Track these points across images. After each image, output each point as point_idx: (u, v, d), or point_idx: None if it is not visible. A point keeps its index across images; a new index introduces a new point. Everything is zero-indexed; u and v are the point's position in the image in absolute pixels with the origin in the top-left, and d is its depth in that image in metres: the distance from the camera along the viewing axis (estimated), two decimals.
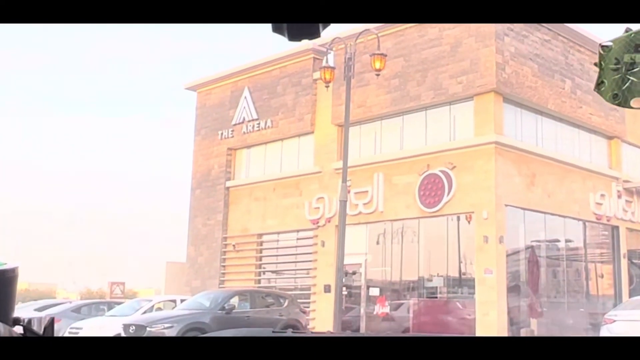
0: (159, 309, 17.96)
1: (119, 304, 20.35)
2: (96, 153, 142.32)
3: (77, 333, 16.42)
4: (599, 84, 2.10)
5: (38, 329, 1.08)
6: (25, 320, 1.07)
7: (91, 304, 20.65)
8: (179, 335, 14.60)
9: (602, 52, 2.14)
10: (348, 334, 1.77)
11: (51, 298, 38.17)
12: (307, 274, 24.14)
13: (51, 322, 1.12)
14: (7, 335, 1.00)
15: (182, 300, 18.13)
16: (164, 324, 14.98)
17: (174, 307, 17.70)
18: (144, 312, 17.20)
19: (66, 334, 16.78)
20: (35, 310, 19.32)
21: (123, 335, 15.16)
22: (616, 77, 2.12)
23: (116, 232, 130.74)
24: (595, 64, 2.16)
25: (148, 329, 14.71)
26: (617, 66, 2.11)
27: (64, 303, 20.94)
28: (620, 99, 2.14)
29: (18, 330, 1.03)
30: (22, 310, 20.25)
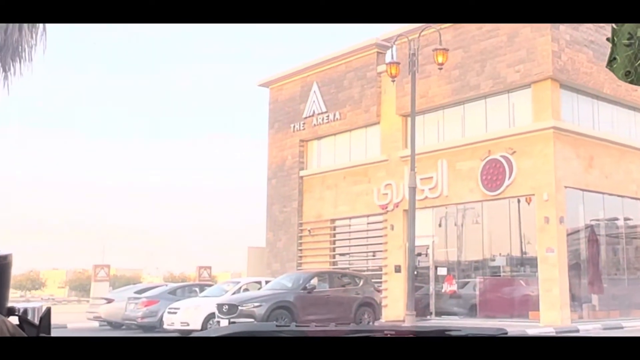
0: (246, 290, 19.39)
1: (208, 286, 22.13)
2: (182, 147, 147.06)
3: (175, 312, 18.11)
4: (611, 61, 1.93)
5: (34, 319, 1.01)
6: (21, 310, 1.01)
7: (184, 286, 22.36)
8: (268, 312, 16.20)
9: (614, 27, 2.00)
10: (349, 332, 1.72)
11: (137, 282, 40.56)
12: (374, 255, 25.47)
13: (47, 312, 1.04)
14: (1, 324, 0.93)
15: (266, 282, 19.59)
16: (253, 303, 16.48)
17: (259, 288, 19.15)
18: (233, 293, 18.75)
19: (165, 314, 18.56)
20: (135, 292, 21.17)
21: (217, 313, 16.84)
22: (629, 53, 1.98)
23: (200, 220, 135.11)
24: (608, 39, 2.05)
25: (240, 307, 16.30)
26: (630, 41, 1.97)
27: (161, 286, 22.82)
28: (633, 77, 2.03)
29: (13, 320, 0.96)
30: (123, 293, 22.27)
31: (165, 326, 18.05)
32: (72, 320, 22.76)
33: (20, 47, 6.73)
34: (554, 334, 16.69)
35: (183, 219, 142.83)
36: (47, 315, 1.03)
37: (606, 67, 1.81)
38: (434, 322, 20.42)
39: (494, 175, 21.82)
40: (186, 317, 17.88)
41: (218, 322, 16.58)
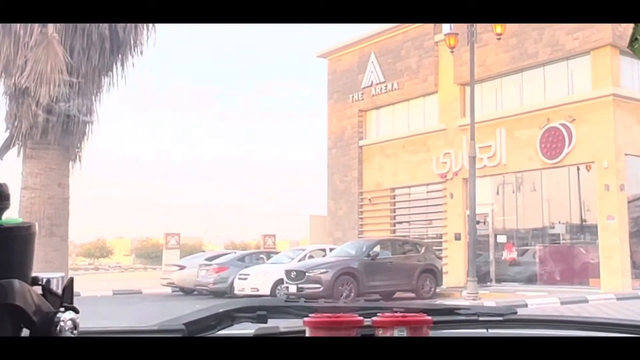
0: (311, 257, 20.06)
1: (273, 253, 22.97)
2: (246, 117, 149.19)
3: (245, 278, 18.95)
4: (632, 42, 1.77)
5: (57, 289, 0.98)
6: (44, 280, 0.97)
7: (252, 254, 23.18)
8: (333, 278, 16.86)
9: None
10: (357, 308, 1.65)
11: (200, 251, 41.85)
12: (431, 223, 25.89)
13: (70, 282, 1.01)
14: (25, 293, 0.89)
15: (330, 249, 20.29)
16: (320, 269, 17.11)
17: (323, 256, 19.78)
18: (299, 260, 19.49)
19: (236, 280, 19.42)
20: (206, 259, 22.10)
21: (285, 279, 17.59)
22: None
23: (262, 189, 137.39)
24: None
25: (307, 274, 17.01)
26: None
27: (230, 253, 23.75)
28: None
29: (37, 290, 0.94)
30: (194, 260, 23.28)
31: (236, 291, 18.91)
32: (145, 286, 23.93)
33: (134, 42, 7.42)
34: (614, 300, 16.94)
35: (244, 188, 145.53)
36: (69, 285, 1.00)
37: (627, 47, 1.67)
38: (494, 289, 20.77)
39: (553, 143, 21.90)
40: (256, 283, 18.70)
41: (287, 287, 17.32)
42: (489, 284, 22.01)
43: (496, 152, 23.49)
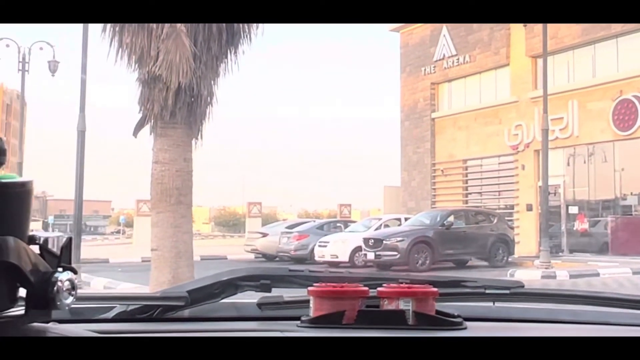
0: (387, 226, 20.89)
1: (350, 222, 23.97)
2: (320, 90, 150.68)
3: (325, 246, 19.78)
4: None
5: (54, 248, 0.91)
6: (41, 239, 0.91)
7: (330, 222, 24.14)
8: (409, 246, 17.66)
9: None
10: (362, 278, 1.61)
11: (274, 220, 43.22)
12: (500, 194, 26.35)
13: (68, 241, 0.94)
14: (20, 251, 0.86)
15: (405, 219, 21.10)
16: (396, 237, 17.80)
17: (399, 225, 20.63)
18: (376, 229, 20.40)
19: (316, 247, 20.38)
20: (287, 227, 23.20)
21: (364, 246, 18.47)
22: None
23: (336, 159, 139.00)
24: None
25: (384, 242, 17.83)
26: None
27: (309, 222, 24.86)
28: None
29: (35, 249, 0.89)
30: (275, 228, 24.45)
31: (316, 258, 19.93)
32: (231, 252, 25.30)
33: (246, 32, 8.48)
34: None
35: (320, 159, 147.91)
36: (68, 245, 0.96)
37: None
38: (565, 259, 21.12)
39: (625, 115, 21.96)
40: (335, 250, 19.67)
41: (365, 254, 18.22)
42: (560, 254, 22.29)
43: (568, 124, 23.67)
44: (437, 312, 1.42)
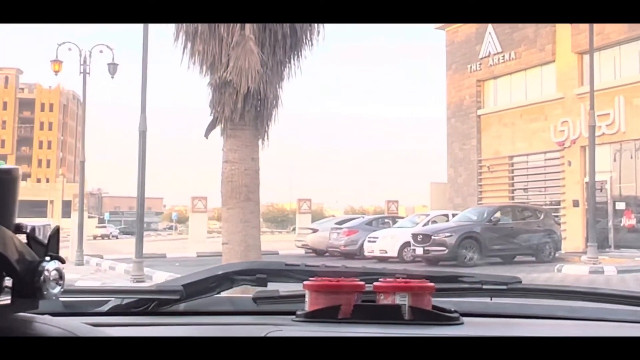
0: (434, 222, 21.12)
1: (398, 218, 24.34)
2: (366, 88, 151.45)
3: (374, 241, 20.13)
4: None
5: (41, 237, 0.89)
6: (28, 228, 0.89)
7: (378, 218, 24.52)
8: (458, 242, 17.96)
9: None
10: (358, 273, 1.52)
11: (321, 216, 43.67)
12: (545, 190, 26.34)
13: (56, 230, 0.91)
14: (6, 239, 0.83)
15: (453, 215, 21.33)
16: (445, 233, 18.03)
17: (446, 221, 20.74)
18: (424, 225, 20.75)
19: (365, 242, 20.73)
20: (337, 223, 23.69)
21: (412, 242, 18.84)
22: None
23: (383, 157, 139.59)
24: None
25: (433, 237, 18.13)
26: None
27: (358, 218, 25.32)
28: None
29: (21, 237, 0.87)
30: (325, 224, 24.98)
31: (365, 253, 20.35)
32: (281, 247, 25.91)
33: (308, 38, 9.07)
34: None
35: (364, 154, 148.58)
36: (55, 234, 0.91)
37: None
38: (612, 254, 21.12)
39: None
40: (384, 245, 20.04)
41: (413, 249, 18.58)
42: (607, 250, 22.24)
43: (615, 120, 23.60)
44: (434, 307, 1.39)
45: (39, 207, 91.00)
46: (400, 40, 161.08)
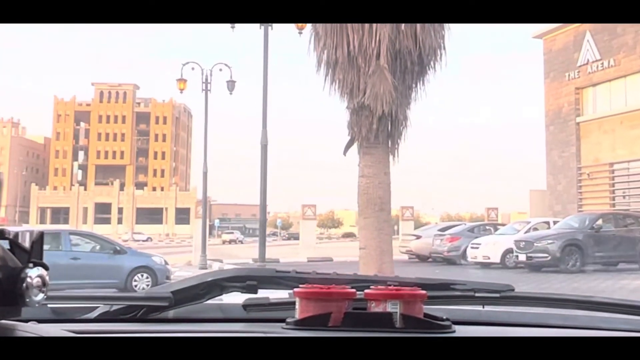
0: (535, 229, 21.02)
1: (499, 225, 24.45)
2: (465, 97, 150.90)
3: (477, 247, 20.31)
4: None
5: (24, 243, 0.86)
6: (12, 234, 0.85)
7: (480, 225, 24.62)
8: (560, 249, 17.97)
9: None
10: (349, 280, 1.47)
11: (419, 222, 43.81)
12: None
13: (40, 236, 0.87)
14: None
15: (554, 222, 21.17)
16: (547, 240, 18.04)
17: (547, 228, 20.68)
18: (525, 232, 20.73)
19: (469, 249, 20.94)
20: (439, 230, 24.10)
21: (515, 249, 18.96)
22: None
23: (480, 164, 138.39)
24: None
25: (535, 244, 18.12)
26: None
27: (460, 225, 25.61)
28: None
29: (4, 244, 0.83)
30: (427, 231, 25.42)
31: (468, 259, 20.66)
32: None
33: (433, 64, 9.99)
34: None
35: (463, 163, 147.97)
36: (39, 240, 0.87)
37: None
38: None
39: None
40: (487, 252, 20.27)
41: (516, 256, 18.73)
42: None
43: None
44: (426, 315, 1.36)
45: (155, 215, 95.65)
46: (499, 51, 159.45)
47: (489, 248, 20.30)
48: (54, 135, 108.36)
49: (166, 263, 15.15)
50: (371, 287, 1.38)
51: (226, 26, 17.86)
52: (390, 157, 9.75)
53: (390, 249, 9.94)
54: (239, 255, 28.35)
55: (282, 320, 1.37)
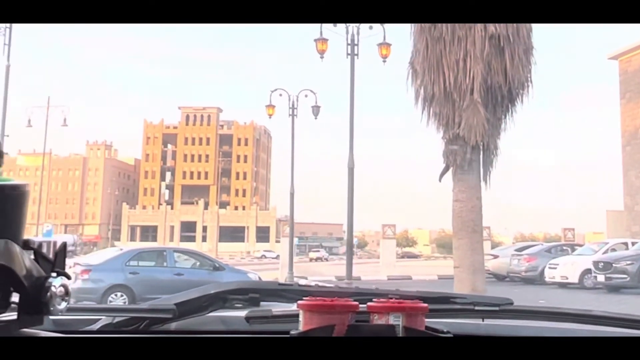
0: (613, 250, 20.64)
1: (577, 246, 24.29)
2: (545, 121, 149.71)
3: (555, 268, 20.35)
4: None
5: (48, 254, 0.87)
6: (36, 244, 0.86)
7: (557, 246, 24.39)
8: (639, 270, 17.83)
9: None
10: (351, 293, 1.49)
11: (493, 242, 43.38)
12: None
13: (63, 247, 0.88)
14: (14, 254, 0.81)
15: (632, 243, 20.81)
16: (626, 260, 17.95)
17: (625, 249, 20.37)
18: (604, 253, 20.59)
19: (546, 269, 20.84)
20: (516, 250, 24.20)
21: (593, 269, 18.89)
22: None
23: (559, 186, 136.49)
24: None
25: (614, 265, 17.98)
26: None
27: (537, 245, 25.63)
28: None
29: (29, 254, 0.84)
30: (505, 250, 25.37)
31: (546, 279, 20.72)
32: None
33: (519, 96, 10.62)
34: None
35: (538, 185, 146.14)
36: (62, 251, 0.88)
37: None
38: None
39: None
40: (565, 272, 20.25)
41: (595, 276, 18.68)
42: None
43: None
44: (427, 327, 1.35)
45: (237, 233, 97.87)
46: (575, 68, 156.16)
47: (567, 268, 20.32)
48: (144, 156, 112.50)
49: (260, 279, 16.05)
50: (374, 300, 1.36)
51: (312, 55, 18.71)
52: (482, 183, 10.44)
53: (483, 268, 10.57)
54: (323, 272, 29.10)
55: (286, 333, 1.31)
